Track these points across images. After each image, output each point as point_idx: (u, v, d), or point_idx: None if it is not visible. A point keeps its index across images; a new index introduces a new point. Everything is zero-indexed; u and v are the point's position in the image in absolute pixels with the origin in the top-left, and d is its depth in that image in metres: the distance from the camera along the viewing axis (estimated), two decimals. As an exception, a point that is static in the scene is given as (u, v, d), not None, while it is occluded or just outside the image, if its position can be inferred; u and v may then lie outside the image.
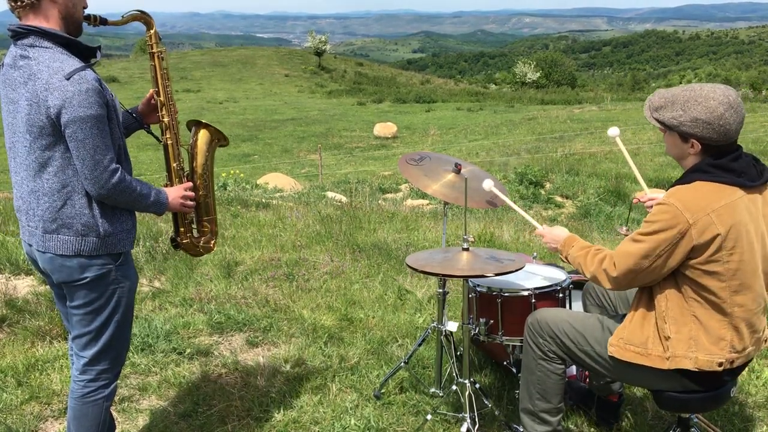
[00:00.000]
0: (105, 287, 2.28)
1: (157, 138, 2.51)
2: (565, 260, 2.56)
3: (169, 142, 2.47)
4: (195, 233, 2.60)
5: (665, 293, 2.26)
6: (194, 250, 2.60)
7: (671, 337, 2.25)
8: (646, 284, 2.30)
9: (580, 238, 2.55)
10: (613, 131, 2.89)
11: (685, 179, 2.24)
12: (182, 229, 2.54)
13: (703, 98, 2.17)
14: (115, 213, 2.25)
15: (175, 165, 2.48)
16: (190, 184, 2.50)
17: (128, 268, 2.36)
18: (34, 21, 2.12)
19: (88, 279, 2.24)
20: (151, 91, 2.48)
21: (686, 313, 2.24)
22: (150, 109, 2.53)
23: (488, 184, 2.87)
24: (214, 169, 2.65)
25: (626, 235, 2.42)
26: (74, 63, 2.10)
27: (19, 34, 2.12)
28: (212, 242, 2.64)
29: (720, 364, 2.24)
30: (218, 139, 2.59)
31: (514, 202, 2.88)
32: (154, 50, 2.44)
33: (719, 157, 2.20)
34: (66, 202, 2.17)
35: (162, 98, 2.45)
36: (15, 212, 2.32)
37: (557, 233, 2.62)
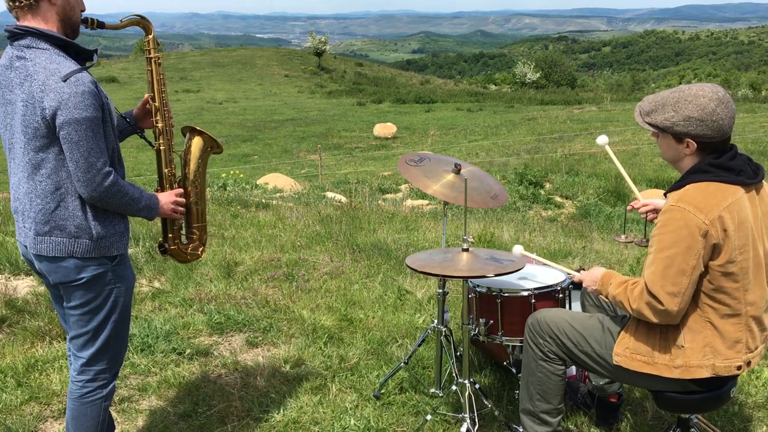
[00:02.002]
0: (102, 287, 2.28)
1: (150, 143, 2.51)
2: (606, 299, 2.44)
3: (162, 147, 2.46)
4: (183, 240, 2.59)
5: None
6: (182, 257, 2.59)
7: (685, 347, 2.23)
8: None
9: (616, 274, 2.41)
10: (602, 139, 2.90)
11: (686, 180, 2.22)
12: (171, 235, 2.53)
13: (693, 97, 2.18)
14: (107, 216, 2.25)
15: (167, 171, 2.48)
16: (182, 190, 2.49)
17: (125, 269, 2.36)
18: (32, 22, 2.12)
19: (84, 279, 2.24)
20: (146, 95, 2.48)
21: (701, 321, 2.23)
22: (144, 114, 2.52)
23: (518, 250, 2.82)
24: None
25: (627, 243, 2.40)
26: (71, 65, 2.10)
27: (16, 35, 2.12)
28: (200, 250, 2.63)
29: (739, 368, 2.24)
30: (212, 146, 2.59)
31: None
32: (152, 55, 2.43)
33: (718, 157, 2.21)
34: (59, 204, 2.17)
35: (157, 103, 2.44)
36: (13, 214, 2.32)
37: (594, 273, 2.48)
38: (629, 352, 2.32)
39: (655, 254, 2.17)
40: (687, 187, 2.20)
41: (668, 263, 2.13)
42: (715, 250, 2.14)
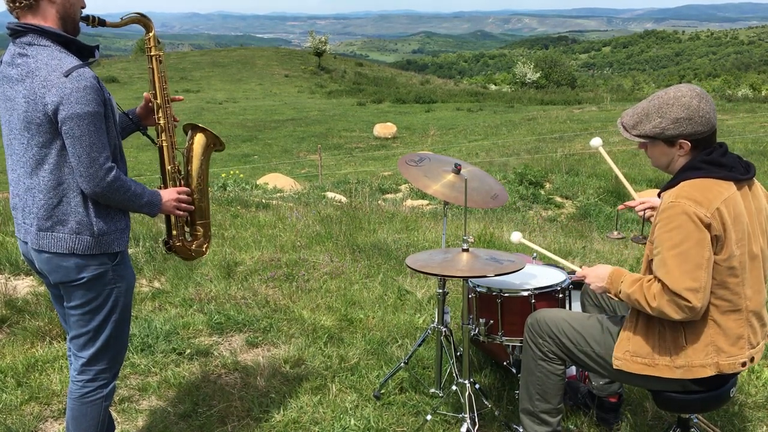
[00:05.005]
0: (102, 287, 2.28)
1: (152, 140, 2.51)
2: (616, 299, 2.37)
3: (165, 144, 2.46)
4: (188, 237, 2.59)
5: None
6: (186, 254, 2.59)
7: (686, 346, 2.23)
8: None
9: (626, 271, 2.35)
10: (596, 141, 2.91)
11: (679, 178, 2.24)
12: (175, 233, 2.53)
13: (674, 99, 2.22)
14: (109, 212, 2.25)
15: (170, 167, 2.48)
16: (186, 189, 2.49)
17: (125, 268, 2.36)
18: (32, 21, 2.13)
19: (85, 279, 2.24)
20: (146, 94, 2.48)
21: (703, 318, 2.21)
22: (148, 112, 2.52)
23: (517, 237, 2.80)
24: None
25: (619, 239, 2.41)
26: (72, 61, 2.11)
27: (17, 32, 2.13)
28: (204, 246, 2.62)
29: (743, 364, 2.24)
30: (214, 143, 2.59)
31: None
32: (153, 53, 2.43)
33: (709, 153, 2.23)
34: (61, 200, 2.17)
35: (159, 101, 2.45)
36: (11, 211, 2.32)
37: (600, 271, 2.42)
38: (629, 355, 2.32)
39: (665, 253, 2.13)
40: (681, 184, 2.22)
41: (682, 259, 2.10)
42: (717, 243, 2.14)
